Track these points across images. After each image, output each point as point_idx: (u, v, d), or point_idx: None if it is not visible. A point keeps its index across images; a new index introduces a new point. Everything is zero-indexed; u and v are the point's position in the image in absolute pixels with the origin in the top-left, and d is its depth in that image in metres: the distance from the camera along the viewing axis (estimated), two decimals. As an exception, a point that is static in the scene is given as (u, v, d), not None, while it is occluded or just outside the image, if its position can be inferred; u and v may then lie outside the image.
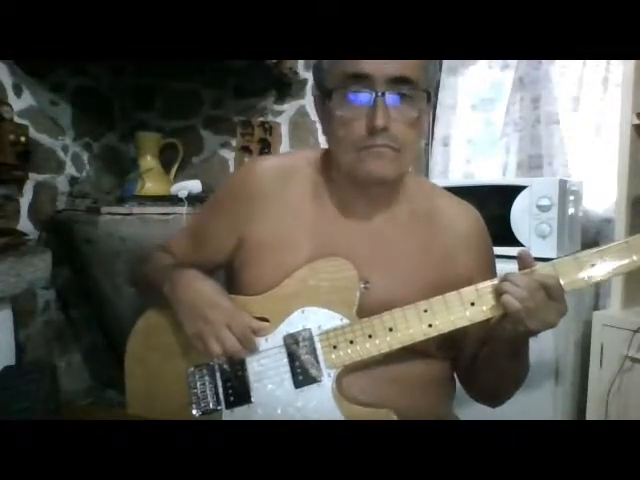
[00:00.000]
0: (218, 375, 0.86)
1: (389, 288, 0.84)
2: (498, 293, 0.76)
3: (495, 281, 0.78)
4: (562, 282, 0.76)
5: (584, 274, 0.76)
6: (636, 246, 0.76)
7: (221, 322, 0.81)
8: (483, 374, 0.89)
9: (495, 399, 0.94)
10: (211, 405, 0.85)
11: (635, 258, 0.75)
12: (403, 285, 0.84)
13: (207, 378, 0.86)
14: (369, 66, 0.75)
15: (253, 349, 0.83)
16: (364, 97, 0.76)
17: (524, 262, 0.77)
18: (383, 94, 0.75)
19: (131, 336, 0.94)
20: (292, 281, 0.86)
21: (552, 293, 0.74)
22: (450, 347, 0.88)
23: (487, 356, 0.87)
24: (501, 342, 0.81)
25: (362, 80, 0.76)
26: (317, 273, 0.85)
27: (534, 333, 0.77)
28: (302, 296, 0.85)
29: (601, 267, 0.76)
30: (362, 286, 0.83)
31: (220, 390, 0.85)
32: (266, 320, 0.85)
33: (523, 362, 0.87)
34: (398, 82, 0.76)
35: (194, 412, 0.86)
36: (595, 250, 0.77)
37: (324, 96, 0.82)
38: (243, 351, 0.82)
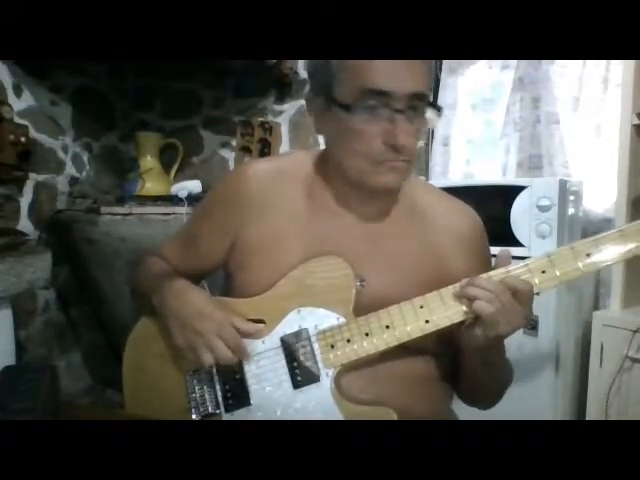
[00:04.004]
0: (216, 379, 0.86)
1: (385, 286, 0.84)
2: (468, 299, 0.76)
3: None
4: (558, 272, 0.76)
5: (580, 263, 0.77)
6: (631, 235, 0.76)
7: (211, 331, 0.81)
8: (465, 382, 0.90)
9: (481, 404, 0.96)
10: (210, 409, 0.85)
11: (631, 246, 0.76)
12: (399, 283, 0.84)
13: (205, 382, 0.86)
14: (389, 83, 0.75)
15: (245, 357, 0.83)
16: (383, 112, 0.76)
17: (500, 262, 0.78)
18: (402, 111, 0.76)
19: (127, 345, 0.94)
20: (287, 281, 0.85)
21: (520, 296, 0.75)
22: (447, 344, 0.89)
23: (463, 369, 0.87)
24: (472, 352, 0.81)
25: (381, 96, 0.75)
26: (312, 272, 0.85)
27: (502, 337, 0.77)
28: (298, 296, 0.84)
29: (597, 256, 0.77)
30: (358, 284, 0.83)
31: (219, 394, 0.85)
32: (262, 322, 0.85)
33: (500, 368, 0.88)
34: (415, 98, 0.76)
35: (194, 417, 0.86)
36: (590, 239, 0.77)
37: (330, 102, 0.80)
38: (235, 359, 0.82)
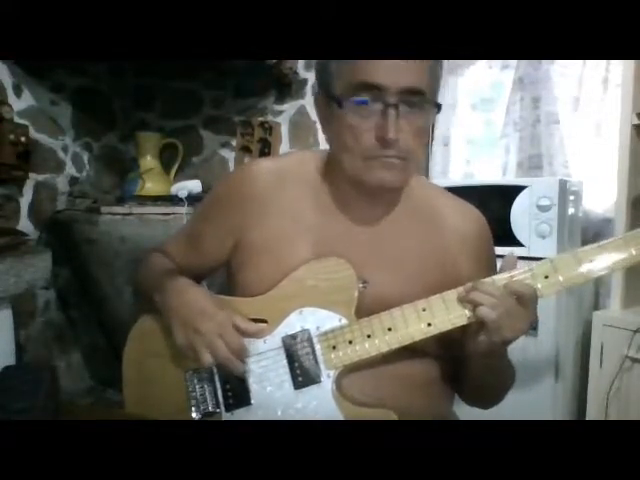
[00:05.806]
0: (217, 378, 0.86)
1: (388, 288, 0.84)
2: (471, 304, 0.76)
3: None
4: (561, 278, 0.76)
5: (583, 269, 0.77)
6: (632, 241, 0.77)
7: (212, 332, 0.80)
8: (468, 385, 0.90)
9: (483, 404, 0.95)
10: (210, 408, 0.85)
11: (634, 252, 0.76)
12: (402, 285, 0.84)
13: (206, 381, 0.86)
14: (381, 77, 0.74)
15: (246, 357, 0.83)
16: (375, 107, 0.75)
17: (506, 266, 0.78)
18: (395, 106, 0.75)
19: (127, 342, 0.93)
20: (289, 282, 0.85)
21: (523, 300, 0.75)
22: (449, 347, 0.89)
23: (466, 372, 0.87)
24: (477, 357, 0.81)
25: (373, 90, 0.75)
26: (314, 273, 0.85)
27: (506, 342, 0.77)
28: (300, 297, 0.84)
29: (599, 262, 0.77)
30: (360, 286, 0.83)
31: (219, 393, 0.85)
32: (264, 321, 0.85)
33: (503, 371, 0.88)
34: (409, 93, 0.76)
35: (194, 415, 0.85)
36: (594, 246, 0.77)
37: (329, 99, 0.80)
38: (235, 360, 0.81)
